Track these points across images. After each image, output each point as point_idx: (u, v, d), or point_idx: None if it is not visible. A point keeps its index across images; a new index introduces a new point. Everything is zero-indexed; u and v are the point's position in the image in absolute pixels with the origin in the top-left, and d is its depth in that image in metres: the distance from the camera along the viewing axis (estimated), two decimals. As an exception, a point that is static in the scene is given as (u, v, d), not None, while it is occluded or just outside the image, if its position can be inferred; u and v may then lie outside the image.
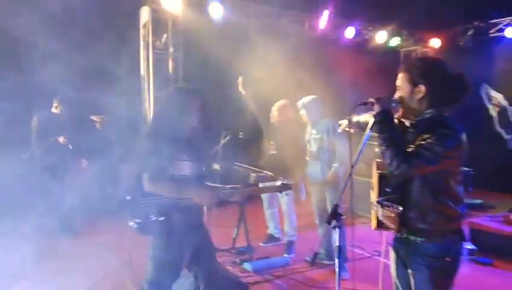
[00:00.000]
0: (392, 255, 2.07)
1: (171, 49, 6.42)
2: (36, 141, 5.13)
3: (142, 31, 6.31)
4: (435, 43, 8.51)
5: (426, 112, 1.88)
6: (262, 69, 6.09)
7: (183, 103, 2.43)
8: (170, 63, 6.48)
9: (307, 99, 4.29)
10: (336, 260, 1.93)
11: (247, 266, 4.10)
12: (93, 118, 5.36)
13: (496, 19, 7.61)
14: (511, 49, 7.73)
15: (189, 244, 2.43)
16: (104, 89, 4.74)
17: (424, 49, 8.80)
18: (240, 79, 4.97)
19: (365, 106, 1.96)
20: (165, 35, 6.24)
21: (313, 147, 4.23)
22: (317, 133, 4.18)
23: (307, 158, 4.28)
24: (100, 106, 5.20)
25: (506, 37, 7.50)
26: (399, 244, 2.01)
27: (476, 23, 7.74)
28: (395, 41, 8.25)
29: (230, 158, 4.75)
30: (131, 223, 2.39)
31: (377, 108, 1.90)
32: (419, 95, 1.88)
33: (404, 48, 9.01)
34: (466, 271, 4.01)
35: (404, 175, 1.82)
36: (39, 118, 5.17)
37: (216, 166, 4.63)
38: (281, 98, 4.86)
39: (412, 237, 1.91)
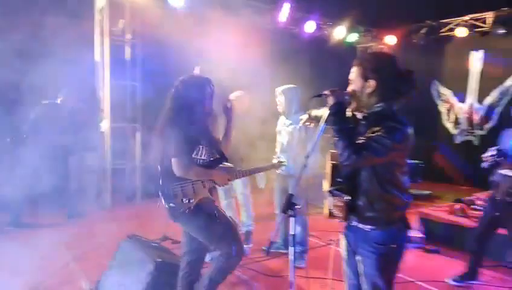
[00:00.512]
0: (343, 242, 2.14)
1: (128, 36, 6.21)
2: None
3: (97, 16, 6.06)
4: (390, 40, 8.82)
5: (376, 105, 1.93)
6: (221, 60, 6.06)
7: (202, 91, 2.57)
8: (127, 50, 6.27)
9: (286, 87, 4.11)
10: (290, 249, 1.97)
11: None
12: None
13: (447, 18, 7.99)
14: (461, 49, 8.16)
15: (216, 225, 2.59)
16: (51, 74, 4.51)
17: (380, 46, 9.10)
18: (197, 69, 4.91)
19: (321, 99, 2.00)
20: (122, 21, 6.02)
21: (283, 139, 4.12)
22: (289, 125, 4.04)
23: (276, 149, 4.19)
24: (45, 91, 4.96)
25: (456, 37, 7.90)
26: (349, 233, 2.08)
27: (429, 22, 8.09)
28: (353, 38, 8.46)
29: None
30: (166, 206, 2.58)
31: (331, 100, 1.94)
32: (370, 89, 1.93)
33: (361, 44, 9.28)
34: (413, 257, 4.26)
35: (354, 165, 1.89)
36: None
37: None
38: (239, 88, 4.85)
39: (360, 225, 1.98)
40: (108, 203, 6.08)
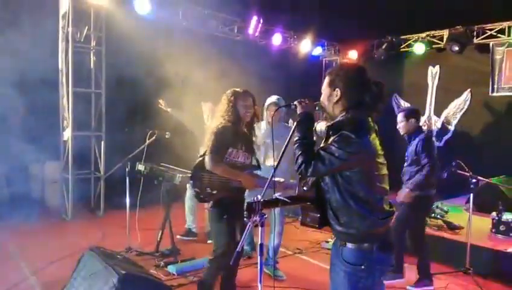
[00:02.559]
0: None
1: (93, 43, 6.08)
2: None
3: (61, 22, 5.90)
4: (353, 54, 9.15)
5: (340, 115, 1.94)
6: (187, 70, 6.09)
7: (244, 102, 2.96)
8: (92, 58, 6.14)
9: (276, 97, 4.06)
10: (258, 258, 1.98)
11: (171, 268, 4.01)
12: None
13: (406, 35, 8.39)
14: (419, 64, 8.57)
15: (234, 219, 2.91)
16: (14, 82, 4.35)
17: (344, 60, 9.40)
18: (162, 102, 5.01)
19: (289, 109, 2.05)
20: (86, 28, 5.90)
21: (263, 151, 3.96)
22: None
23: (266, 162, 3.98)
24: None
25: (415, 52, 8.30)
26: (332, 247, 2.04)
27: (389, 38, 8.46)
28: (318, 51, 8.71)
29: (155, 158, 4.64)
30: (192, 191, 3.11)
31: (298, 110, 1.98)
32: (335, 99, 1.94)
33: (326, 57, 9.56)
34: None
35: (306, 175, 1.86)
36: None
37: (141, 166, 4.49)
38: (205, 99, 4.90)
39: (336, 239, 1.97)
40: (70, 214, 5.86)
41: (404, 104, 8.88)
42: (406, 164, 3.91)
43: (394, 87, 9.00)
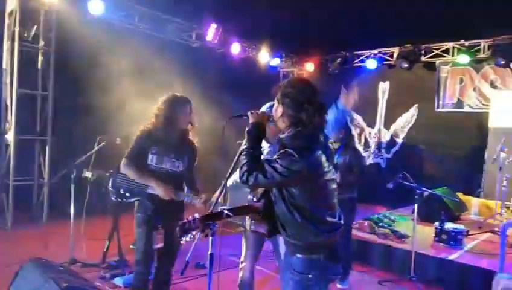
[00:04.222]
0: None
1: (41, 43, 5.79)
2: None
3: (7, 19, 5.58)
4: (309, 67, 9.38)
5: (287, 131, 1.94)
6: (141, 74, 5.96)
7: (181, 108, 2.88)
8: (40, 58, 5.84)
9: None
10: (208, 268, 1.95)
11: (118, 280, 3.85)
12: None
13: (360, 50, 8.74)
14: (370, 79, 8.93)
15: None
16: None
17: (300, 72, 9.62)
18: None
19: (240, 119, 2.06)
20: (35, 27, 5.61)
21: None
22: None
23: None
24: None
25: (367, 68, 8.65)
26: (284, 257, 2.12)
27: (343, 52, 8.77)
28: (276, 62, 8.84)
29: (105, 165, 4.45)
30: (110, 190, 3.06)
31: (250, 120, 1.99)
32: (280, 114, 1.95)
33: (284, 68, 9.73)
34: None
35: (246, 184, 1.87)
36: None
37: (88, 173, 4.29)
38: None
39: (286, 250, 2.02)
40: (10, 223, 5.48)
41: (357, 117, 9.21)
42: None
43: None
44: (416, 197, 4.14)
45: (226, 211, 1.98)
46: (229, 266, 3.92)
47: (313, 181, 1.88)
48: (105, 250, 4.25)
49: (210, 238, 1.93)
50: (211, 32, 7.28)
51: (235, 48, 7.84)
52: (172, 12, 6.80)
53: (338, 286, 4.08)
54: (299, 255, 1.91)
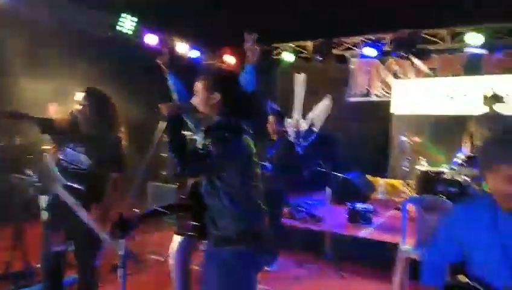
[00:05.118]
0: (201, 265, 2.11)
1: None
2: None
3: None
4: (230, 60, 9.43)
5: (217, 118, 2.00)
6: (49, 66, 5.54)
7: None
8: None
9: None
10: (120, 270, 1.90)
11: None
12: None
13: (278, 43, 9.00)
14: (289, 71, 9.23)
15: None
16: None
17: (221, 64, 9.63)
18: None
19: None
20: None
21: None
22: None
23: None
24: None
25: (284, 60, 8.94)
26: (205, 253, 2.06)
27: (262, 45, 8.94)
28: (195, 54, 8.75)
29: (7, 168, 4.08)
30: None
31: (165, 112, 1.95)
32: (213, 102, 1.99)
33: (205, 60, 9.66)
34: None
35: (183, 175, 1.89)
36: None
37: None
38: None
39: (210, 245, 1.99)
40: None
41: (277, 107, 9.48)
42: None
43: (268, 91, 9.56)
44: (329, 181, 4.45)
45: (160, 209, 1.96)
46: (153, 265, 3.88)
47: (246, 167, 1.95)
48: (8, 260, 3.88)
49: (122, 240, 1.86)
50: (126, 23, 6.97)
51: (152, 39, 7.58)
52: (85, 1, 6.38)
53: (266, 268, 4.24)
54: (229, 248, 1.91)
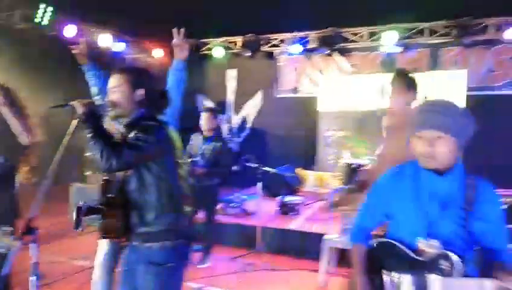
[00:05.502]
0: (122, 266, 2.04)
1: None
2: None
3: None
4: (158, 53, 9.15)
5: (137, 112, 1.98)
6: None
7: None
8: None
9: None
10: (32, 278, 1.75)
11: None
12: None
13: (206, 38, 8.91)
14: (219, 67, 9.20)
15: None
16: None
17: (148, 58, 9.33)
18: None
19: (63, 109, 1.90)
20: None
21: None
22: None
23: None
24: None
25: (214, 56, 8.88)
26: (128, 252, 1.98)
27: (191, 40, 8.79)
28: (120, 47, 8.35)
29: None
30: None
31: (80, 109, 1.86)
32: (137, 98, 1.96)
33: (130, 54, 9.26)
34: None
35: (114, 168, 1.79)
36: None
37: None
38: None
39: (136, 243, 1.92)
40: None
41: (209, 103, 9.43)
42: None
43: (198, 87, 9.44)
44: (258, 176, 4.51)
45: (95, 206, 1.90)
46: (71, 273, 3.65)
47: (172, 152, 1.99)
48: None
49: (31, 245, 1.72)
50: (41, 13, 6.44)
51: (70, 31, 7.08)
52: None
53: (198, 266, 4.22)
54: (156, 245, 1.88)
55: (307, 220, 5.32)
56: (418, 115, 1.61)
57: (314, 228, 4.87)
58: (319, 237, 4.45)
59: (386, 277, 1.63)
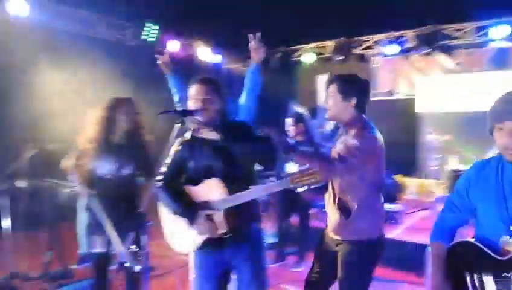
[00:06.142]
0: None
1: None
2: None
3: None
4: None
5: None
6: (68, 76, 5.71)
7: (121, 109, 2.76)
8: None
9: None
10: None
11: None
12: None
13: (297, 45, 8.96)
14: (310, 72, 9.17)
15: None
16: None
17: (244, 68, 9.68)
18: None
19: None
20: None
21: None
22: None
23: None
24: None
25: (305, 62, 8.89)
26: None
27: (282, 47, 8.95)
28: (218, 59, 8.81)
29: (39, 173, 4.21)
30: None
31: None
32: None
33: (227, 65, 9.73)
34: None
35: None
36: None
37: (21, 183, 4.04)
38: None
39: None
40: None
41: (300, 109, 9.42)
42: None
43: (290, 94, 9.52)
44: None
45: None
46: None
47: None
48: (47, 261, 4.02)
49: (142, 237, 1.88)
50: (149, 31, 7.12)
51: (173, 46, 7.69)
52: (104, 10, 6.55)
53: (292, 269, 4.28)
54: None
55: (407, 230, 4.99)
56: (499, 105, 1.50)
57: (416, 239, 4.53)
58: (421, 248, 4.16)
59: (468, 279, 1.55)
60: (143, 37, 7.16)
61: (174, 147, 2.22)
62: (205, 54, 8.40)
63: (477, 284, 1.51)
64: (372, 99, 7.93)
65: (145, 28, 7.10)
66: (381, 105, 8.22)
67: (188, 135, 2.26)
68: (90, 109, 4.69)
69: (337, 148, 2.20)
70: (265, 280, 2.27)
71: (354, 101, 2.25)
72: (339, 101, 2.26)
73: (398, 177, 6.80)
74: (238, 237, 2.15)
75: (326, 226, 2.39)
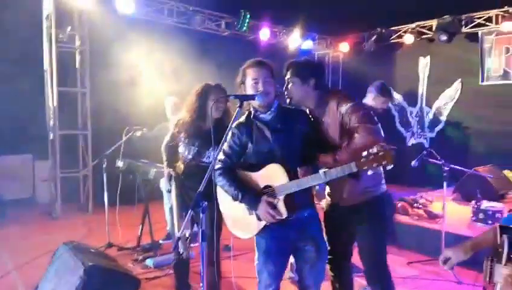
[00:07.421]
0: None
1: (77, 43, 6.16)
2: None
3: (45, 23, 5.99)
4: (344, 47, 9.11)
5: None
6: (174, 69, 6.16)
7: (214, 96, 2.87)
8: (77, 57, 6.22)
9: None
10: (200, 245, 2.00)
11: (149, 262, 4.08)
12: None
13: (396, 26, 8.34)
14: (409, 55, 8.51)
15: None
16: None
17: (335, 53, 9.40)
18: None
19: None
20: (69, 28, 5.98)
21: None
22: None
23: None
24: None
25: (404, 43, 8.25)
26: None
27: (379, 29, 8.41)
28: (308, 45, 8.66)
29: (134, 154, 4.68)
30: None
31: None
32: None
33: (317, 51, 9.54)
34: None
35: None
36: None
37: (120, 163, 4.54)
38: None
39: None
40: (59, 212, 5.95)
41: (396, 96, 8.85)
42: None
43: (385, 79, 8.91)
44: (444, 174, 3.94)
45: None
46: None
47: None
48: (139, 234, 4.50)
49: (201, 215, 1.94)
50: (241, 20, 7.30)
51: (265, 34, 7.78)
52: (200, 3, 6.91)
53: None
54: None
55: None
56: None
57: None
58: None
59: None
60: (236, 29, 7.35)
61: (232, 132, 2.24)
62: (296, 40, 8.33)
63: None
64: (483, 83, 7.14)
65: (240, 19, 7.28)
66: (494, 90, 7.27)
67: (243, 119, 2.27)
68: (185, 96, 5.06)
69: (351, 122, 2.17)
70: (326, 259, 2.38)
71: (312, 82, 2.32)
72: (299, 85, 2.31)
73: (506, 173, 5.96)
74: (299, 221, 2.17)
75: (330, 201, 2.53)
